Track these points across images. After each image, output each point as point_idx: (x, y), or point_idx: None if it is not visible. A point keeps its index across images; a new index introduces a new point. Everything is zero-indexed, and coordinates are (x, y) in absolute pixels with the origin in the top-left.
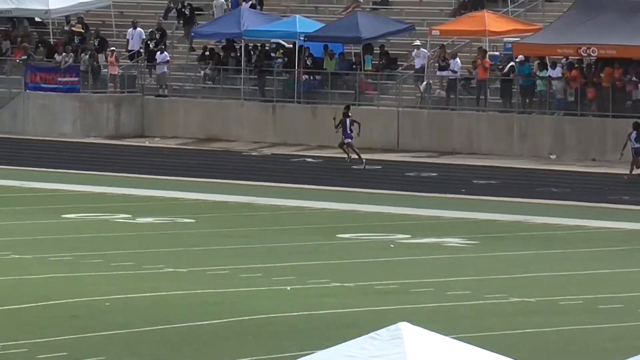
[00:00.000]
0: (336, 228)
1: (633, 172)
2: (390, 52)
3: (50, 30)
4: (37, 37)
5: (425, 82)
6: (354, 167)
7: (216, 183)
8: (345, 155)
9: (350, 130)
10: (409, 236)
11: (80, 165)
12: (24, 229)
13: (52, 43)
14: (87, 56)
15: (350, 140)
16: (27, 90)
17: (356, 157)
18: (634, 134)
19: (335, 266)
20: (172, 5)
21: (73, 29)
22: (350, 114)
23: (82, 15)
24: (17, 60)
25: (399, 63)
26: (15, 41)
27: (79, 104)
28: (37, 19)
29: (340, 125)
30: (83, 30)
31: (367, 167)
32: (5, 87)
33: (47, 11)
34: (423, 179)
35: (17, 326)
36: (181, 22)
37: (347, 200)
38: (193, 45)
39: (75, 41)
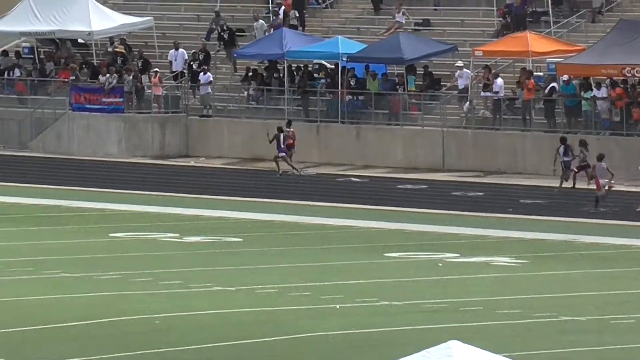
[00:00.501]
0: (384, 247)
1: (563, 185)
2: (433, 72)
3: (94, 52)
4: (81, 59)
5: (467, 103)
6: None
7: (262, 202)
8: (277, 169)
9: (284, 144)
10: (457, 255)
11: (126, 185)
12: (72, 247)
13: (95, 64)
14: (131, 77)
15: (284, 154)
16: (72, 111)
17: (292, 168)
18: (562, 148)
19: (383, 285)
20: (213, 26)
21: (116, 50)
22: (288, 129)
23: (124, 37)
24: (65, 81)
25: (442, 83)
26: (59, 62)
27: (124, 125)
28: (80, 41)
29: (274, 140)
30: (126, 52)
31: (302, 173)
32: (50, 108)
33: (90, 33)
34: (469, 198)
35: (66, 343)
36: (222, 44)
37: (394, 220)
38: (236, 66)
39: (118, 62)
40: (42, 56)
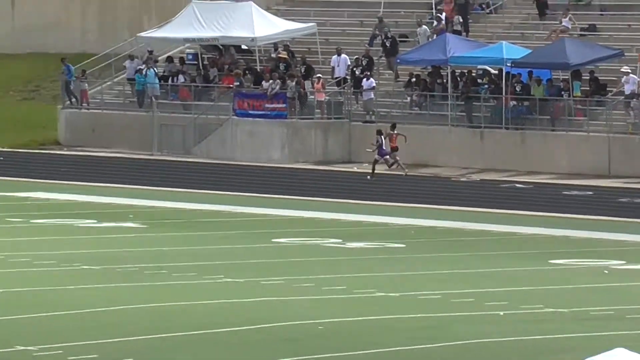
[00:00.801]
0: (548, 254)
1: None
2: (599, 78)
3: (257, 58)
4: (244, 65)
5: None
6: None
7: (425, 208)
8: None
9: (385, 147)
10: (624, 262)
11: (289, 190)
12: (235, 253)
13: (258, 70)
14: (294, 83)
15: (386, 157)
16: (235, 117)
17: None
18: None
19: (548, 292)
20: (377, 32)
21: (279, 56)
22: (392, 132)
23: (287, 43)
24: (229, 87)
25: (608, 89)
26: (223, 68)
27: (287, 130)
28: (243, 47)
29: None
30: (289, 58)
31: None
32: (214, 113)
33: (253, 39)
34: (636, 205)
35: (229, 348)
36: (383, 52)
37: (558, 226)
38: (398, 72)
39: (281, 68)
40: (205, 62)
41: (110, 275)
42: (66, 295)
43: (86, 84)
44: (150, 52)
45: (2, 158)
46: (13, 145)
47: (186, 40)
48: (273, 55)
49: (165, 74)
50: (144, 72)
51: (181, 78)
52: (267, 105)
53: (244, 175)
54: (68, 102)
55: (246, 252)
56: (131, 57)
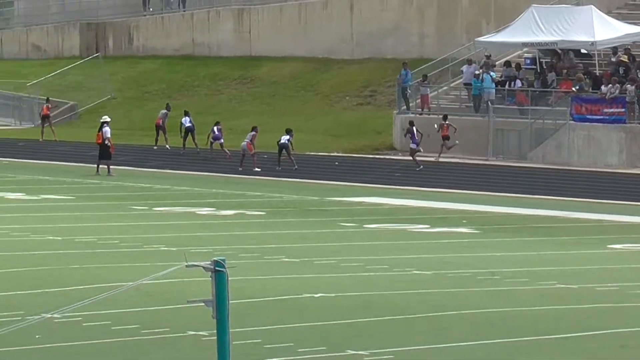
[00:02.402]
0: None
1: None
2: None
3: (596, 62)
4: (582, 69)
5: None
6: None
7: None
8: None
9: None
10: None
11: (626, 196)
12: (568, 258)
13: (597, 74)
14: (633, 87)
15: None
16: (572, 122)
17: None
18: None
19: None
20: None
21: (620, 59)
22: (444, 122)
23: (628, 47)
24: (567, 91)
25: None
26: (561, 73)
27: (625, 135)
28: (582, 51)
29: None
30: (629, 61)
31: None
32: (551, 118)
33: (592, 43)
34: None
35: (566, 355)
36: None
37: None
38: None
39: (620, 72)
40: (544, 67)
41: (442, 281)
42: (395, 299)
43: (427, 89)
44: (488, 57)
45: (337, 163)
46: (347, 150)
47: (524, 44)
48: (613, 59)
49: (502, 78)
50: (480, 76)
51: (518, 83)
52: (605, 110)
53: (580, 180)
54: (404, 107)
55: (580, 258)
56: (469, 62)
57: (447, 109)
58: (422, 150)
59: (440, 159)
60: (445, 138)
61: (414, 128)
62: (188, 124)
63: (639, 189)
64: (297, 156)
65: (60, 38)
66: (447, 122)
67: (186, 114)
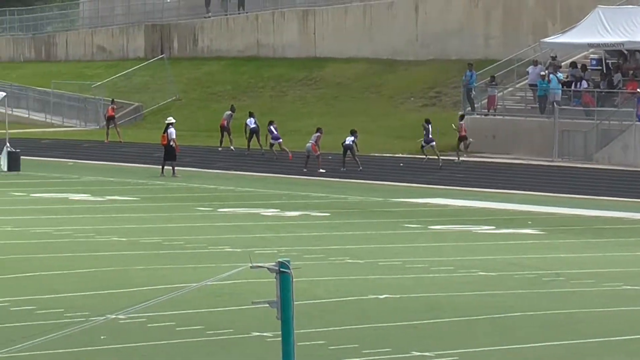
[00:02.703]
0: None
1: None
2: None
3: None
4: None
5: None
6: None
7: None
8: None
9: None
10: None
11: None
12: (634, 260)
13: None
14: None
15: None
16: (639, 123)
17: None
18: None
19: None
20: None
21: None
22: (461, 123)
23: None
24: (633, 92)
25: None
26: (627, 74)
27: None
28: None
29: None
30: None
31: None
32: (617, 119)
33: None
34: None
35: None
36: None
37: None
38: None
39: None
40: (610, 67)
41: (507, 282)
42: (460, 301)
43: (495, 90)
44: (554, 58)
45: (401, 164)
46: (412, 152)
47: (590, 45)
48: None
49: (567, 79)
50: (546, 77)
51: (584, 84)
52: None
53: None
54: (469, 108)
55: None
56: (535, 63)
57: (512, 110)
58: (434, 145)
59: (462, 158)
60: (463, 138)
61: (429, 126)
62: (253, 125)
63: None
64: (362, 157)
65: (125, 40)
66: (463, 122)
67: (251, 115)
